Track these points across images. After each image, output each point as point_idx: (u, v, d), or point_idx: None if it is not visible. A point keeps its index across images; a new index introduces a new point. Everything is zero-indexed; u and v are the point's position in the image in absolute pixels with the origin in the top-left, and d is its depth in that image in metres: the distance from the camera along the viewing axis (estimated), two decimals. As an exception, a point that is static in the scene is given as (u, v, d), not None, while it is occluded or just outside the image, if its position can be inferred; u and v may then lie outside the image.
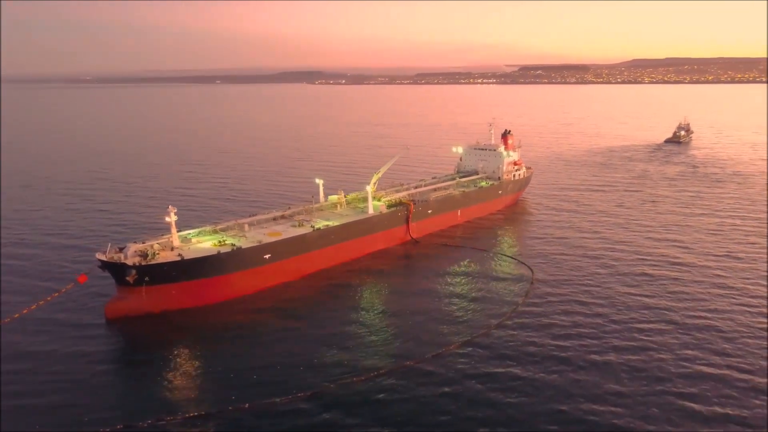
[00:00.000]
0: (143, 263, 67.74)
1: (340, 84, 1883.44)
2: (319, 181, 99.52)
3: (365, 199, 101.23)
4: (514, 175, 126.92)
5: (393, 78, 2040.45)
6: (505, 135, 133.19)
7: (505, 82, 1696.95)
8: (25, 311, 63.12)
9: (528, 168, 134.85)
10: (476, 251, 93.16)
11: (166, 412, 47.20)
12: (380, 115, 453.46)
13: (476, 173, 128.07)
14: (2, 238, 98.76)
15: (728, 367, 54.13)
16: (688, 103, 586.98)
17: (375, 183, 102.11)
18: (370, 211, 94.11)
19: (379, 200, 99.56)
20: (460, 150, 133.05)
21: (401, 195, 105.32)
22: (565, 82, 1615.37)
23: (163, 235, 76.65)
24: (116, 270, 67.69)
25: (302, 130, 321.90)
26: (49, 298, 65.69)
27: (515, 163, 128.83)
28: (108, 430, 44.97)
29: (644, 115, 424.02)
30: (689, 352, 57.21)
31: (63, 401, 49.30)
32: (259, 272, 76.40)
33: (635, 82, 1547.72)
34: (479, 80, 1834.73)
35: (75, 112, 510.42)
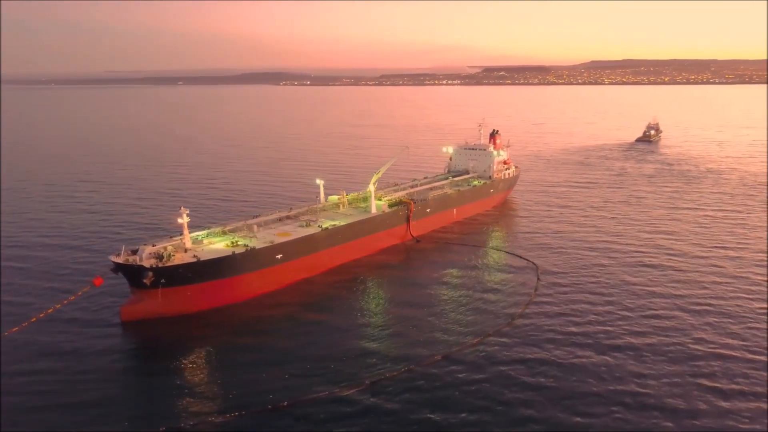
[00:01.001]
0: (160, 265, 67.28)
1: (305, 85, 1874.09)
2: (320, 182, 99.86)
3: (365, 199, 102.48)
4: (503, 174, 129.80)
5: (358, 79, 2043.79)
6: (494, 135, 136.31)
7: (469, 83, 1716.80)
8: (42, 315, 62.14)
9: (516, 167, 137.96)
10: (478, 248, 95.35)
11: (206, 414, 47.31)
12: (354, 116, 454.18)
13: (467, 172, 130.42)
14: (4, 244, 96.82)
15: (742, 348, 57.71)
16: (650, 103, 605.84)
17: (375, 183, 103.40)
18: (373, 210, 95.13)
19: (379, 200, 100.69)
20: (450, 150, 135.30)
21: (400, 194, 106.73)
22: (528, 83, 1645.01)
23: (171, 237, 76.43)
24: (133, 272, 67.04)
25: (281, 131, 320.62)
26: (65, 302, 64.80)
27: (505, 162, 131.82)
28: (151, 431, 44.97)
29: (610, 115, 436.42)
30: (701, 335, 60.73)
31: (95, 401, 49.32)
32: (271, 272, 76.73)
33: (595, 83, 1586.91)
34: (444, 81, 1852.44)
35: (28, 115, 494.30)
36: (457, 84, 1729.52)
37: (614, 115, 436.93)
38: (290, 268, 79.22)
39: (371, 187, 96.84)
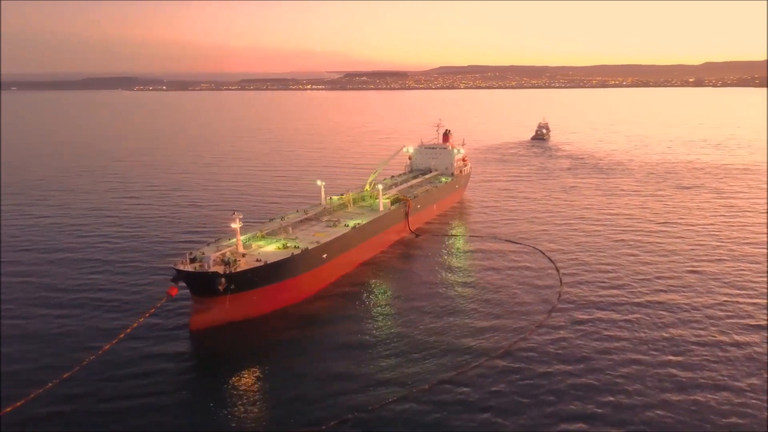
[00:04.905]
0: (229, 271, 66.34)
1: (162, 90, 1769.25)
2: (321, 183, 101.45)
3: (363, 198, 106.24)
4: (461, 170, 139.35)
5: (219, 84, 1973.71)
6: (446, 134, 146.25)
7: (334, 88, 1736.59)
8: (128, 330, 58.72)
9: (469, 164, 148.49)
10: (477, 238, 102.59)
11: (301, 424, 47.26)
12: (248, 121, 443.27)
13: (429, 171, 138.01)
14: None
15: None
16: (514, 106, 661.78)
17: (372, 182, 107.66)
18: (381, 208, 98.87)
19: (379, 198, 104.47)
20: (411, 150, 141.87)
21: (391, 192, 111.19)
22: (390, 88, 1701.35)
23: (208, 243, 76.29)
24: (204, 280, 65.33)
25: (188, 137, 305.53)
26: (147, 315, 61.53)
27: (463, 160, 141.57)
28: None
29: (491, 117, 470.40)
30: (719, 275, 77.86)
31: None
32: (320, 271, 78.35)
33: (452, 87, 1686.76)
34: (308, 86, 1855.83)
35: None
36: (322, 89, 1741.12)
37: (493, 116, 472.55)
38: (332, 267, 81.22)
39: (379, 186, 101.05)
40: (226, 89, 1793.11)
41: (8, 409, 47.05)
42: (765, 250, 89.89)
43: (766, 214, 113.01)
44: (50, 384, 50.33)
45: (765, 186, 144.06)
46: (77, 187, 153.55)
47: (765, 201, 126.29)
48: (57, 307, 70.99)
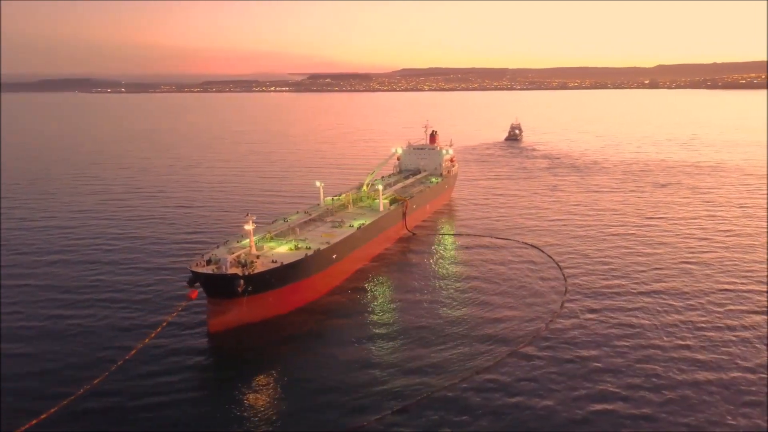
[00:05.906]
0: (247, 273, 66.42)
1: (120, 92, 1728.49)
2: (320, 184, 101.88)
3: (362, 199, 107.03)
4: (449, 170, 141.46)
5: (180, 86, 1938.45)
6: (433, 135, 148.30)
7: (298, 90, 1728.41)
8: (152, 335, 58.27)
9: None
10: (473, 236, 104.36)
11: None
12: (217, 123, 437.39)
13: (418, 171, 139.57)
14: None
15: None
16: (481, 107, 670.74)
17: (369, 183, 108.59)
18: (381, 208, 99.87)
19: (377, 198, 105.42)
20: (399, 150, 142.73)
21: (388, 193, 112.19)
22: (354, 90, 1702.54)
23: (218, 245, 76.16)
24: (224, 282, 65.20)
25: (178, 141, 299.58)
26: (169, 318, 61.09)
27: (451, 160, 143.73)
28: None
29: (460, 118, 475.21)
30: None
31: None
32: (331, 272, 79.11)
33: (416, 89, 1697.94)
34: (272, 88, 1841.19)
35: None
36: (286, 91, 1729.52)
37: (462, 118, 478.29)
38: (342, 266, 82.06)
39: (379, 187, 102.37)
40: (188, 91, 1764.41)
41: (43, 417, 46.22)
42: (751, 241, 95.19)
43: (765, 209, 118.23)
44: (86, 387, 50.09)
45: (736, 182, 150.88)
46: (58, 190, 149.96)
47: (740, 196, 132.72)
48: (68, 308, 70.39)
